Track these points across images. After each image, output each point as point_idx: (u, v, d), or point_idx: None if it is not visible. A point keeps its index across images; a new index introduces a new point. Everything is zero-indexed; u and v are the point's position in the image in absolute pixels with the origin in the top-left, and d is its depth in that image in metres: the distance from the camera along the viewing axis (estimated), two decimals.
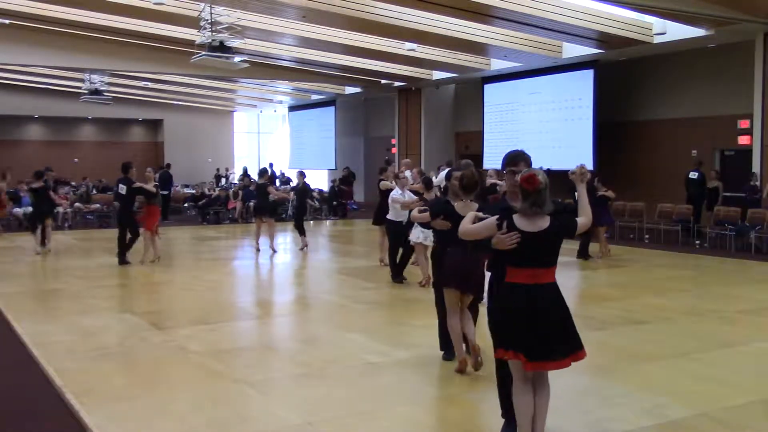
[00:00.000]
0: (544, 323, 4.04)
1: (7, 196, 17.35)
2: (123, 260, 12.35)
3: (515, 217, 4.09)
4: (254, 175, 20.75)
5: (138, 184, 12.58)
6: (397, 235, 10.36)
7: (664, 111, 18.59)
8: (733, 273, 12.08)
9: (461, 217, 5.65)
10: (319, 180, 30.27)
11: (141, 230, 12.62)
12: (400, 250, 10.52)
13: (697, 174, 16.38)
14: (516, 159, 4.56)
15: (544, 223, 4.08)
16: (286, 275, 12.56)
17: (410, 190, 10.69)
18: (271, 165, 30.41)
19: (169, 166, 24.69)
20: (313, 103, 30.48)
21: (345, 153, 29.45)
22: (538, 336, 4.02)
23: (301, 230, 14.33)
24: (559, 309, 4.13)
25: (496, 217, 4.13)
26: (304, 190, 14.96)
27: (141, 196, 13.02)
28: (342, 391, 5.60)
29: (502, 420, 4.63)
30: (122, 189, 12.58)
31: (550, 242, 4.11)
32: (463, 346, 5.97)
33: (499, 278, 4.28)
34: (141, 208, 13.44)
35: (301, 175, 14.92)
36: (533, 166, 4.41)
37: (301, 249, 14.22)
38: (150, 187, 12.66)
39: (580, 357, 4.16)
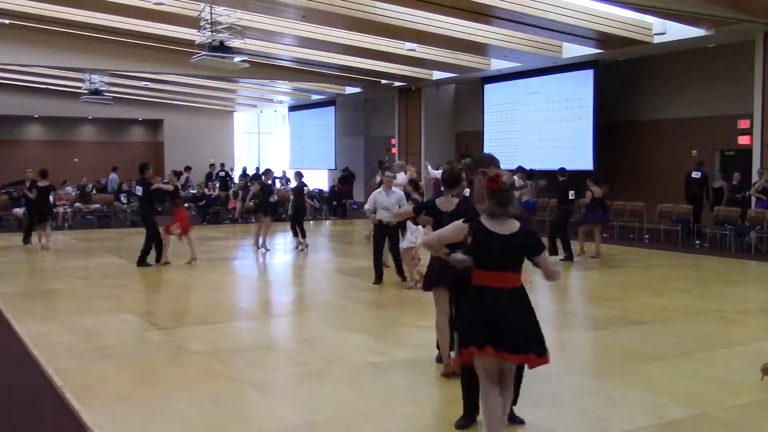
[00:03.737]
0: (511, 326, 4.02)
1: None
2: (142, 263, 12.09)
3: (483, 219, 4.12)
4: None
5: (156, 185, 12.40)
6: (382, 234, 10.30)
7: (664, 111, 18.58)
8: (733, 273, 12.09)
9: (441, 213, 5.75)
10: (320, 180, 30.28)
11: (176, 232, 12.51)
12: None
13: (699, 174, 16.39)
14: (488, 162, 4.69)
15: (513, 226, 4.10)
16: (286, 275, 12.56)
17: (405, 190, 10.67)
18: (219, 165, 30.53)
19: (222, 165, 27.14)
20: (313, 103, 30.46)
21: (345, 153, 29.45)
22: (505, 335, 4.01)
23: (300, 231, 14.37)
24: (526, 316, 4.10)
25: (462, 219, 4.14)
26: (300, 190, 14.91)
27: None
28: (342, 391, 5.59)
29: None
30: (138, 190, 12.42)
31: (516, 247, 4.11)
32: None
33: (465, 277, 4.31)
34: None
35: (299, 175, 14.91)
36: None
37: (297, 249, 14.23)
38: (166, 186, 12.51)
39: (541, 362, 4.11)
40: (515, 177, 5.22)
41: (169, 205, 12.78)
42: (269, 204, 14.69)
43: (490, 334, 4.00)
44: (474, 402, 4.62)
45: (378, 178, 13.59)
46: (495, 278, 4.06)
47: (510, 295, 4.07)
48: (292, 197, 15.03)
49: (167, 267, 12.14)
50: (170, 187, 12.47)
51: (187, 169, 25.27)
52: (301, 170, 15.49)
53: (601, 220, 13.59)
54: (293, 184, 15.17)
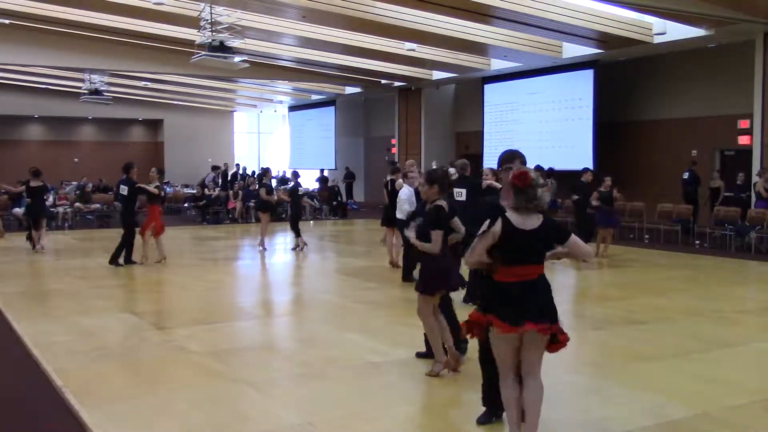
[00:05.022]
0: (533, 301, 4.14)
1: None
2: (114, 261, 12.13)
3: (509, 215, 4.12)
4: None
5: (141, 185, 12.45)
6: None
7: (664, 111, 18.59)
8: (733, 273, 12.08)
9: None
10: (311, 179, 30.14)
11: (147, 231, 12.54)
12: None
13: (688, 174, 16.46)
14: (512, 157, 4.73)
15: (537, 221, 4.12)
16: (286, 275, 12.56)
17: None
18: (223, 165, 30.24)
19: (226, 165, 26.78)
20: (313, 103, 30.48)
21: (345, 153, 29.44)
22: (530, 308, 4.11)
23: (295, 230, 14.34)
24: (546, 294, 4.20)
25: (486, 223, 4.14)
26: (295, 190, 14.87)
27: (142, 196, 12.92)
28: (342, 391, 5.59)
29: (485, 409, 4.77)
30: (123, 190, 12.48)
31: (540, 240, 4.15)
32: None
33: (484, 276, 4.31)
34: (142, 208, 13.26)
35: (295, 175, 14.89)
36: (528, 165, 4.51)
37: (293, 249, 14.21)
38: (152, 188, 12.52)
39: (554, 330, 4.18)
40: None
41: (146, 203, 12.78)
42: (266, 203, 14.68)
43: (519, 312, 4.07)
44: (493, 396, 4.63)
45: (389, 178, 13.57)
46: (518, 273, 4.10)
47: (532, 285, 4.14)
48: (287, 197, 15.01)
49: (151, 266, 12.16)
50: (156, 191, 12.47)
51: (214, 168, 25.36)
52: (297, 170, 15.46)
53: (615, 225, 13.78)
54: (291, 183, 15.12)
